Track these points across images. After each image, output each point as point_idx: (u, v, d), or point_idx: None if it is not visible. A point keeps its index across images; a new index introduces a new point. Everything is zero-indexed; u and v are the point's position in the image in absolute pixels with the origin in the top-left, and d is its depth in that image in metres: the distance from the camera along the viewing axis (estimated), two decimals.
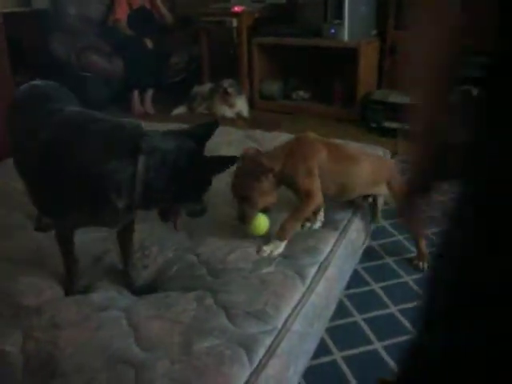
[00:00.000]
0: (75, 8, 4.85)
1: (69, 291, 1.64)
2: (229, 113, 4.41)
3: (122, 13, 4.72)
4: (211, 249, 1.82)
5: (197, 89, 4.66)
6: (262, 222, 1.87)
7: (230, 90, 4.37)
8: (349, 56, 4.21)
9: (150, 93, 4.67)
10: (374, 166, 2.11)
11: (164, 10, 4.83)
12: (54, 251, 1.81)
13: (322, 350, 1.81)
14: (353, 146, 2.41)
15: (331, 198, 2.03)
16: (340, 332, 1.94)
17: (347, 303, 2.10)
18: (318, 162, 1.92)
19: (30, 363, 1.34)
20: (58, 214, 1.54)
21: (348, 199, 2.14)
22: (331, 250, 1.88)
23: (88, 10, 4.92)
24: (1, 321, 1.50)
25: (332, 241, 1.92)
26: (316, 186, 1.89)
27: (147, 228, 1.90)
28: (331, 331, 1.92)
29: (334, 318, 1.91)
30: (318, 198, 1.90)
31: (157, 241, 1.88)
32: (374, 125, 4.10)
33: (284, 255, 1.79)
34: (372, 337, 1.93)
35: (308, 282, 1.68)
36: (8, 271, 1.70)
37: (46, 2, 4.92)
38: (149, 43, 4.58)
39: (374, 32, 4.40)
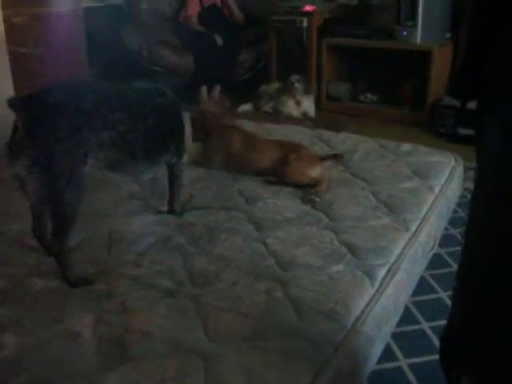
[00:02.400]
0: (148, 3, 4.96)
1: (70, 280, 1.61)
2: (295, 112, 4.40)
3: (193, 9, 4.79)
4: (279, 241, 1.81)
5: (264, 87, 4.67)
6: None
7: (296, 84, 4.35)
8: (420, 59, 4.12)
9: (217, 89, 4.71)
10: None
11: (235, 8, 4.87)
12: (122, 237, 1.87)
13: (387, 355, 1.77)
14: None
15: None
16: (406, 338, 1.89)
17: (414, 310, 2.04)
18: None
19: (102, 346, 1.35)
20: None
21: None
22: (401, 253, 1.83)
23: (160, 6, 5.02)
24: (73, 304, 1.52)
25: (402, 243, 1.87)
26: None
27: (218, 218, 1.96)
28: (397, 337, 1.87)
29: (400, 323, 1.86)
30: None
31: (226, 230, 1.89)
32: (442, 130, 4.00)
33: (353, 254, 1.76)
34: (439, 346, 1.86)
35: (377, 283, 1.64)
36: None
37: None
38: (219, 40, 4.62)
39: (448, 35, 4.28)
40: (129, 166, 1.77)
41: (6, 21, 2.49)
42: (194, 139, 2.43)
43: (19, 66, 2.61)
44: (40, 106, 1.51)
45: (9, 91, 2.50)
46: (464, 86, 1.14)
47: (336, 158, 2.38)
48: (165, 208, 2.05)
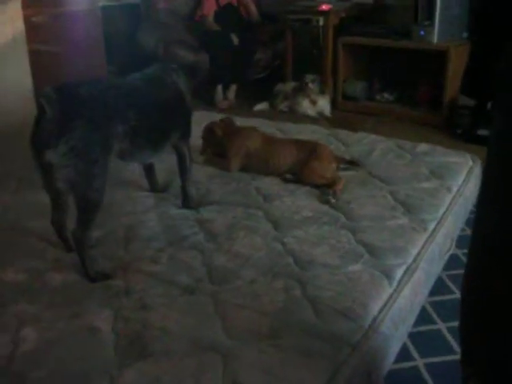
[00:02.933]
0: (164, 2, 4.98)
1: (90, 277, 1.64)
2: (311, 111, 4.39)
3: (209, 9, 4.79)
4: (297, 240, 1.82)
5: (280, 86, 4.66)
6: None
7: (310, 84, 4.34)
8: (437, 58, 4.09)
9: (233, 88, 4.72)
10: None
11: (252, 7, 4.87)
12: (139, 233, 1.88)
13: (404, 355, 1.76)
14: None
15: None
16: (423, 339, 1.88)
17: (430, 310, 2.03)
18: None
19: (121, 341, 1.36)
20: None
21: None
22: (419, 253, 1.83)
23: (176, 5, 5.04)
24: (92, 299, 1.54)
25: (420, 243, 1.86)
26: None
27: (236, 215, 1.97)
28: (414, 337, 1.86)
29: (417, 323, 1.86)
30: None
31: (244, 227, 1.90)
32: (459, 131, 3.97)
33: (371, 253, 1.75)
34: (456, 347, 1.85)
35: (395, 283, 1.64)
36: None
37: None
38: (235, 39, 4.62)
39: (465, 35, 4.24)
40: (136, 154, 1.87)
41: (26, 20, 2.51)
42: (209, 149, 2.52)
43: (38, 63, 2.63)
44: (74, 97, 1.61)
45: (28, 88, 2.53)
46: (474, 83, 1.15)
47: (353, 164, 2.39)
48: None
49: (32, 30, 2.66)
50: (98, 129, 1.61)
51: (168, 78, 1.95)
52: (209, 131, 2.51)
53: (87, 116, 1.60)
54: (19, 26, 2.44)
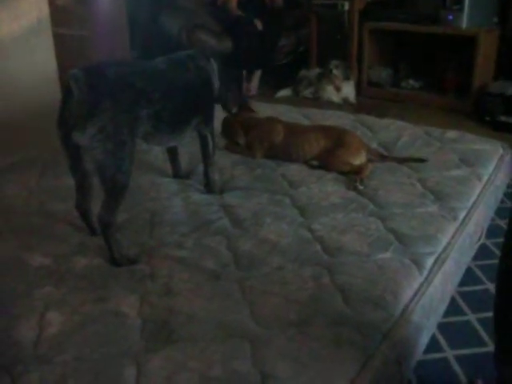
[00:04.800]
0: None
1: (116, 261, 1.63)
2: (335, 97, 4.33)
3: None
4: (325, 227, 1.78)
5: (304, 72, 4.61)
6: None
7: (335, 71, 4.28)
8: (465, 44, 4.00)
9: (257, 74, 4.67)
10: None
11: None
12: (164, 218, 1.86)
13: (433, 345, 1.72)
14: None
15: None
16: (452, 329, 1.84)
17: (460, 300, 1.98)
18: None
19: (147, 327, 1.34)
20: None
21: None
22: (449, 242, 1.78)
23: None
24: (118, 284, 1.53)
25: (451, 231, 1.81)
26: None
27: (262, 201, 1.94)
28: (443, 327, 1.82)
29: (446, 314, 1.81)
30: None
31: (270, 213, 1.87)
32: (488, 118, 3.88)
33: (401, 241, 1.71)
34: (486, 338, 1.81)
35: (425, 272, 1.60)
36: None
37: None
38: (258, 25, 4.56)
39: (495, 20, 4.14)
40: (157, 137, 1.84)
41: (50, 3, 2.50)
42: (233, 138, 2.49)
43: (63, 47, 2.62)
44: (102, 78, 1.59)
45: (53, 71, 2.52)
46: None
47: (383, 158, 2.34)
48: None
49: (56, 13, 2.65)
50: (125, 111, 1.59)
51: (194, 63, 1.92)
52: (227, 125, 2.48)
53: (115, 97, 1.57)
54: (44, 9, 2.43)
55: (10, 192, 2.08)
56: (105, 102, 1.54)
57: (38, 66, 2.44)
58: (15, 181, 2.16)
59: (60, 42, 2.58)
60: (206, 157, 2.06)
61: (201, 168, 2.14)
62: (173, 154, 2.17)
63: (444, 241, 1.77)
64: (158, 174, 2.22)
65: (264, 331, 1.30)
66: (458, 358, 1.72)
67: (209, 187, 2.06)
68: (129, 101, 1.61)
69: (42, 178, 2.20)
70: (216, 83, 2.00)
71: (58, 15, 2.72)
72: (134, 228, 1.82)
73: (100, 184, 1.62)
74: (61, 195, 1.96)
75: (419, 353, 1.56)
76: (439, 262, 1.67)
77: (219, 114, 2.23)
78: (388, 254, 1.64)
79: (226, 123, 2.49)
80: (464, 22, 3.98)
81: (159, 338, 1.30)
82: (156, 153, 2.33)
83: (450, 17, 4.03)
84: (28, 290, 1.50)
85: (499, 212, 2.47)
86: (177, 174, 2.20)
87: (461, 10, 3.96)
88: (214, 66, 1.98)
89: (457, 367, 1.69)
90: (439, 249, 1.72)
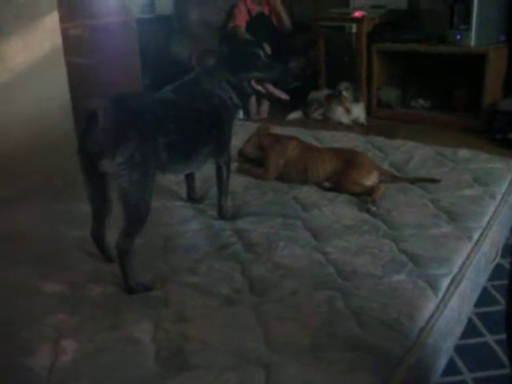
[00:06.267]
0: (197, 14, 5.00)
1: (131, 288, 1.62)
2: (345, 119, 4.34)
3: (241, 19, 4.79)
4: (338, 250, 1.78)
5: (313, 94, 4.63)
6: None
7: (344, 93, 4.30)
8: (473, 63, 4.01)
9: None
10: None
11: (284, 15, 4.85)
12: (177, 243, 1.87)
13: (451, 368, 1.70)
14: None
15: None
16: (470, 352, 1.81)
17: (477, 322, 1.96)
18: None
19: (161, 354, 1.34)
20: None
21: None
22: (464, 263, 1.76)
23: (208, 16, 5.06)
24: (132, 311, 1.53)
25: (466, 252, 1.80)
26: None
27: (274, 225, 1.94)
28: (460, 350, 1.80)
29: (463, 336, 1.79)
30: None
31: (283, 237, 1.86)
32: (498, 136, 3.86)
33: (415, 263, 1.70)
34: (505, 360, 1.78)
35: (441, 294, 1.58)
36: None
37: (169, 8, 5.14)
38: (267, 48, 4.60)
39: (503, 37, 4.15)
40: (172, 167, 1.87)
41: (63, 33, 2.54)
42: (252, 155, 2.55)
43: (75, 75, 2.66)
44: (127, 109, 1.65)
45: (66, 99, 2.55)
46: None
47: (395, 179, 2.33)
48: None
49: (69, 42, 2.69)
50: (148, 140, 1.64)
51: (198, 88, 1.89)
52: (248, 141, 2.53)
53: (140, 127, 1.62)
54: (57, 39, 2.47)
55: (22, 219, 2.10)
56: (130, 131, 1.59)
57: (52, 96, 2.47)
58: (28, 208, 2.18)
59: (73, 70, 2.62)
60: (221, 186, 2.07)
61: (213, 191, 2.14)
62: (189, 178, 2.20)
63: (459, 261, 1.75)
64: (170, 198, 2.23)
65: (278, 357, 1.30)
66: (477, 381, 1.69)
67: (222, 215, 2.07)
68: (151, 130, 1.66)
69: (56, 205, 2.21)
70: (226, 95, 1.93)
71: (71, 45, 2.77)
72: (147, 253, 1.82)
73: (123, 211, 1.63)
74: (74, 222, 1.97)
75: (437, 376, 1.54)
76: (455, 283, 1.66)
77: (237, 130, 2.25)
78: (402, 276, 1.63)
79: (247, 142, 2.55)
80: (472, 41, 3.99)
81: (174, 365, 1.30)
82: (168, 177, 2.34)
83: (458, 36, 4.04)
84: (42, 317, 1.50)
85: None
86: (191, 197, 2.22)
87: (469, 29, 3.98)
88: (218, 78, 1.92)
89: None
90: (454, 270, 1.70)
